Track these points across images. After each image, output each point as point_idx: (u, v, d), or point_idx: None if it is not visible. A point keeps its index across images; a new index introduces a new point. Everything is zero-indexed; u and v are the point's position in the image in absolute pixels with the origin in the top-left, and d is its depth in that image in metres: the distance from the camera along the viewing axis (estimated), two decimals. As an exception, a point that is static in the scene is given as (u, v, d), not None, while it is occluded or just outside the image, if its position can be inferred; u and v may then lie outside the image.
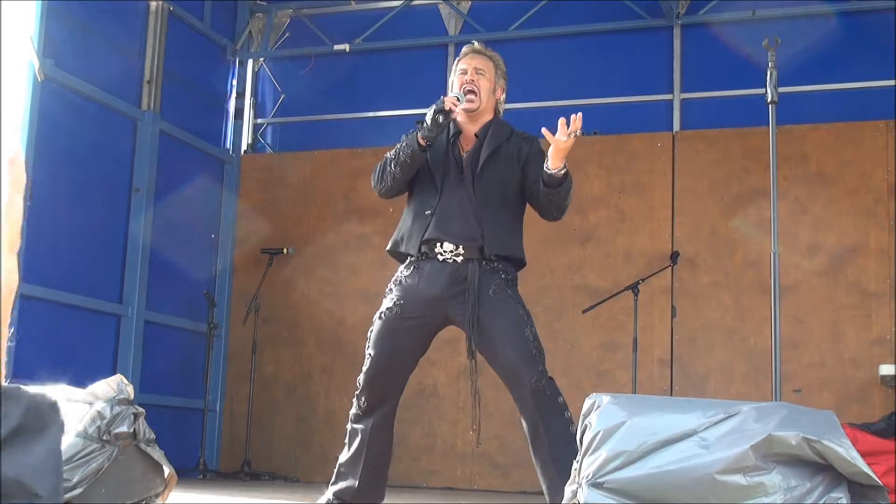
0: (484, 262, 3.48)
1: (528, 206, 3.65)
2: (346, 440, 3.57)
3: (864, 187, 6.56)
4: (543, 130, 3.36)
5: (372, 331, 3.53)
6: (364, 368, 3.52)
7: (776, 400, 3.46)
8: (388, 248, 3.65)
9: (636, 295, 6.20)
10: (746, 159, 6.73)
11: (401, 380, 3.56)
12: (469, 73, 3.62)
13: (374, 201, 6.92)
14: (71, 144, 6.30)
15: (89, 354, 6.47)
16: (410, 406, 6.56)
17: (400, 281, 3.54)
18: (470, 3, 7.82)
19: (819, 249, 6.56)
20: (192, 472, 6.87)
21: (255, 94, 8.28)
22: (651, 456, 2.29)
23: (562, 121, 3.30)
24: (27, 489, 0.74)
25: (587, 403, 2.49)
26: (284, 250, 7.43)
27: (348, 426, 3.57)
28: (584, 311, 6.35)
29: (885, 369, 6.10)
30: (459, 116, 3.58)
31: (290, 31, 8.23)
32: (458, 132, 3.64)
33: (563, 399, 3.38)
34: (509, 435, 6.54)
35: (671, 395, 6.47)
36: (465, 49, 3.72)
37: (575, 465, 2.43)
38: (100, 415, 3.23)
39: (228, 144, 8.07)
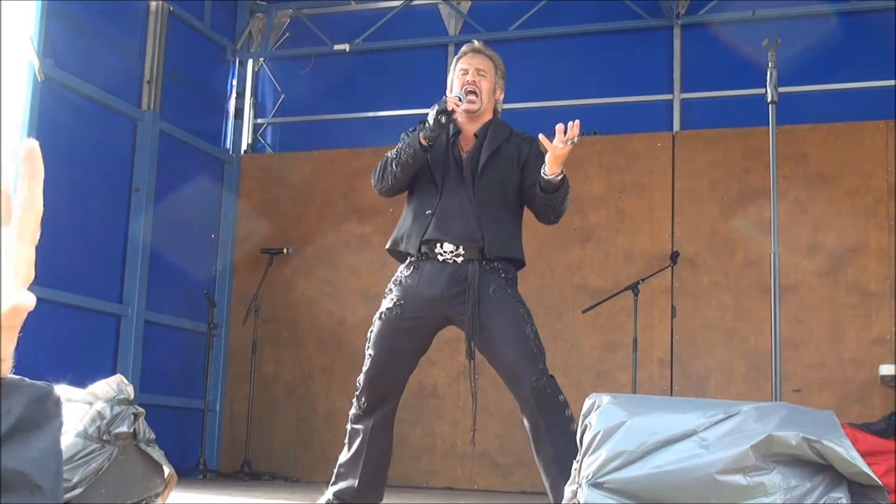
0: (484, 262, 3.48)
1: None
2: (346, 440, 3.57)
3: (864, 187, 6.56)
4: (541, 137, 3.36)
5: (372, 331, 3.53)
6: (364, 369, 3.52)
7: (776, 400, 3.46)
8: (387, 246, 3.65)
9: (636, 295, 6.20)
10: (746, 159, 6.73)
11: (401, 380, 3.56)
12: (470, 73, 3.62)
13: (374, 201, 6.92)
14: (71, 144, 6.30)
15: (89, 354, 6.47)
16: (410, 406, 6.56)
17: (400, 281, 3.54)
18: (470, 3, 7.82)
19: (819, 249, 6.56)
20: (192, 472, 6.87)
21: (255, 94, 8.28)
22: (651, 456, 2.29)
23: (559, 127, 3.29)
24: (29, 480, 0.74)
25: (587, 403, 2.49)
26: (284, 250, 7.43)
27: (348, 426, 3.57)
28: (584, 311, 6.35)
29: (885, 369, 6.10)
30: (459, 116, 3.58)
31: (290, 31, 8.23)
32: (458, 132, 3.64)
33: (563, 397, 3.38)
34: (509, 435, 6.54)
35: (671, 395, 6.47)
36: (464, 48, 3.71)
37: (575, 465, 2.43)
38: (100, 415, 3.24)
39: (228, 144, 8.07)
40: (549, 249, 6.81)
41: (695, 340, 6.69)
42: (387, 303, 3.53)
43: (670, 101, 7.25)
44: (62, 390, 3.25)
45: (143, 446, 3.34)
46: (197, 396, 7.29)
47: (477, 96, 3.59)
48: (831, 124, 6.72)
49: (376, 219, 7.26)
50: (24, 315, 0.75)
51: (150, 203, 6.90)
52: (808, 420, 2.27)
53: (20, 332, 0.76)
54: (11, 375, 0.76)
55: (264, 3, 8.23)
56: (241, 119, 8.17)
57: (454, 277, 3.47)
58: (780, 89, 3.82)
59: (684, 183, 6.87)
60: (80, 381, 3.49)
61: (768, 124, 3.81)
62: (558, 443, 3.30)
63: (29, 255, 0.75)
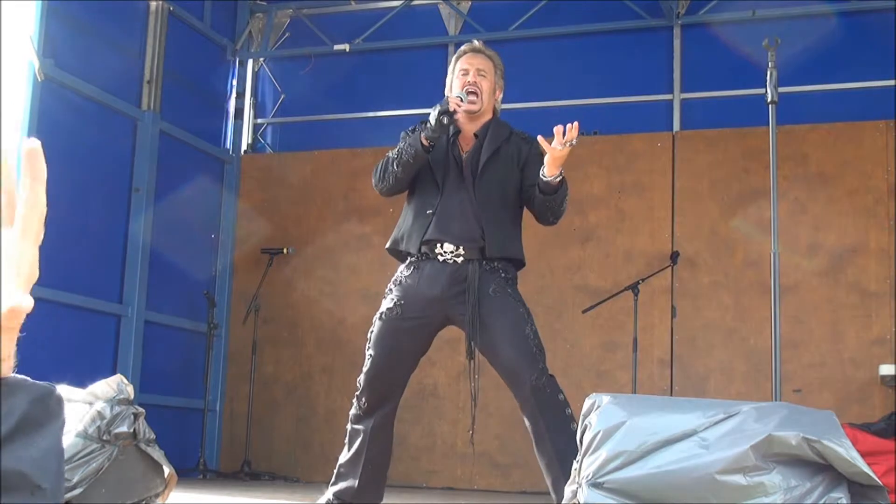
0: (484, 262, 3.48)
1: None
2: (347, 440, 3.57)
3: (864, 187, 6.56)
4: (539, 139, 3.36)
5: (372, 331, 3.53)
6: (364, 369, 3.52)
7: (776, 400, 3.46)
8: (387, 246, 3.65)
9: (636, 295, 6.20)
10: (746, 159, 6.73)
11: (401, 380, 3.57)
12: (471, 74, 3.61)
13: (374, 201, 6.93)
14: (71, 144, 6.30)
15: (89, 354, 6.47)
16: (410, 406, 6.56)
17: (400, 281, 3.54)
18: (470, 3, 7.82)
19: (819, 249, 6.56)
20: (192, 472, 6.87)
21: (255, 94, 8.28)
22: (651, 456, 2.29)
23: (557, 129, 3.29)
24: (30, 481, 0.74)
25: (587, 403, 2.49)
26: (284, 250, 7.43)
27: (348, 426, 3.57)
28: (584, 311, 6.35)
29: (885, 369, 6.10)
30: (459, 117, 3.58)
31: (290, 31, 8.23)
32: (458, 132, 3.64)
33: (563, 396, 3.38)
34: (509, 435, 6.54)
35: (671, 395, 6.46)
36: (464, 48, 3.70)
37: (575, 465, 2.43)
38: (100, 415, 3.24)
39: (228, 144, 8.07)
40: (549, 249, 6.81)
41: (695, 340, 6.69)
42: (387, 303, 3.53)
43: (670, 101, 7.25)
44: (62, 390, 3.25)
45: (143, 446, 3.34)
46: (197, 396, 7.29)
47: (478, 97, 3.59)
48: (831, 124, 6.72)
49: (376, 219, 7.25)
50: (23, 317, 0.75)
51: (150, 203, 6.90)
52: (808, 420, 2.27)
53: (21, 333, 0.76)
54: (14, 375, 0.76)
55: (264, 3, 8.23)
56: (241, 119, 8.17)
57: (454, 277, 3.47)
58: (780, 89, 3.82)
59: (684, 183, 6.87)
60: (80, 381, 3.49)
61: (768, 124, 3.81)
62: (558, 442, 3.31)
63: (32, 255, 0.75)
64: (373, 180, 3.65)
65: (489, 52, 3.70)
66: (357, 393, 3.53)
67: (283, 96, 8.21)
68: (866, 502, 2.20)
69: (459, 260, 3.48)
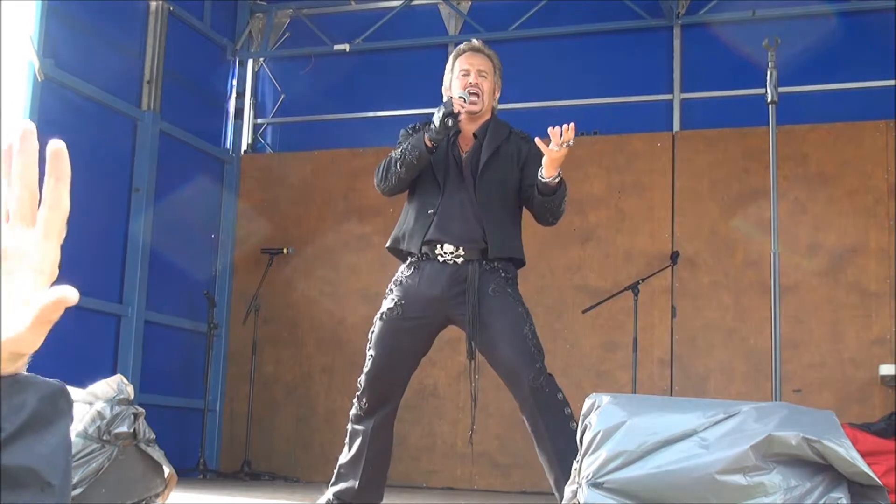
0: (484, 262, 3.49)
1: (525, 207, 3.66)
2: (347, 441, 3.57)
3: (864, 187, 6.56)
4: (537, 140, 3.36)
5: (373, 331, 3.53)
6: (365, 369, 3.52)
7: (776, 400, 3.46)
8: (388, 244, 3.65)
9: (636, 295, 6.19)
10: (746, 159, 6.73)
11: (402, 380, 3.57)
12: (472, 74, 3.61)
13: (374, 201, 6.93)
14: (71, 144, 6.21)
15: (89, 354, 6.46)
16: (410, 406, 6.56)
17: (400, 281, 3.55)
18: (470, 3, 7.82)
19: (819, 249, 6.56)
20: (192, 472, 6.87)
21: (255, 94, 8.28)
22: (651, 456, 2.29)
23: (554, 131, 3.28)
24: (40, 477, 0.74)
25: (587, 403, 2.49)
26: (284, 250, 7.43)
27: (349, 427, 3.57)
28: (584, 311, 6.35)
29: (885, 369, 6.10)
30: (461, 117, 3.59)
31: (290, 31, 8.23)
32: (457, 132, 3.64)
33: (562, 396, 3.38)
34: (509, 435, 6.54)
35: (671, 395, 6.46)
36: (463, 46, 3.70)
37: (575, 465, 2.43)
38: (100, 415, 3.24)
39: (228, 144, 8.07)
40: (549, 249, 6.81)
41: (695, 340, 6.69)
42: (387, 303, 3.53)
43: (670, 101, 7.25)
44: (63, 390, 3.25)
45: (143, 446, 3.33)
46: (197, 396, 7.29)
47: (479, 98, 3.59)
48: (831, 124, 6.72)
49: (376, 219, 7.25)
50: (63, 310, 0.75)
51: (150, 203, 6.90)
52: (808, 420, 2.27)
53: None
54: (24, 372, 0.76)
55: (264, 3, 8.23)
56: (241, 119, 8.17)
57: (454, 278, 3.47)
58: (780, 89, 3.82)
59: (684, 183, 6.87)
60: (80, 381, 3.49)
61: (768, 124, 3.81)
62: (558, 442, 3.31)
63: (54, 255, 0.76)
64: (375, 180, 3.65)
65: (488, 51, 3.70)
66: (358, 393, 3.53)
67: (283, 96, 8.21)
68: (866, 502, 2.20)
69: (459, 261, 3.49)
